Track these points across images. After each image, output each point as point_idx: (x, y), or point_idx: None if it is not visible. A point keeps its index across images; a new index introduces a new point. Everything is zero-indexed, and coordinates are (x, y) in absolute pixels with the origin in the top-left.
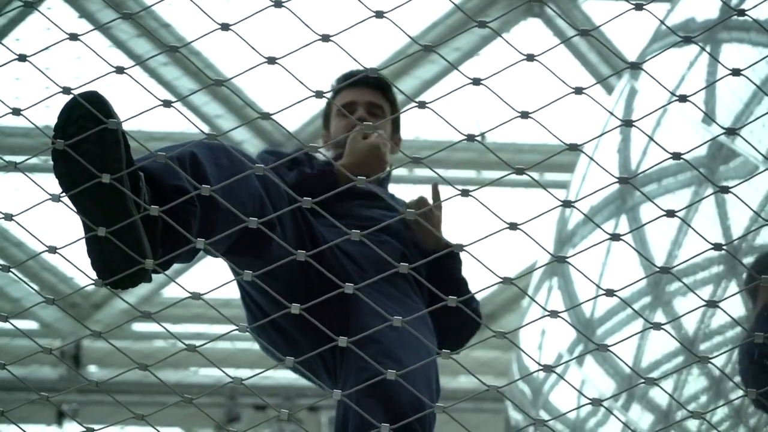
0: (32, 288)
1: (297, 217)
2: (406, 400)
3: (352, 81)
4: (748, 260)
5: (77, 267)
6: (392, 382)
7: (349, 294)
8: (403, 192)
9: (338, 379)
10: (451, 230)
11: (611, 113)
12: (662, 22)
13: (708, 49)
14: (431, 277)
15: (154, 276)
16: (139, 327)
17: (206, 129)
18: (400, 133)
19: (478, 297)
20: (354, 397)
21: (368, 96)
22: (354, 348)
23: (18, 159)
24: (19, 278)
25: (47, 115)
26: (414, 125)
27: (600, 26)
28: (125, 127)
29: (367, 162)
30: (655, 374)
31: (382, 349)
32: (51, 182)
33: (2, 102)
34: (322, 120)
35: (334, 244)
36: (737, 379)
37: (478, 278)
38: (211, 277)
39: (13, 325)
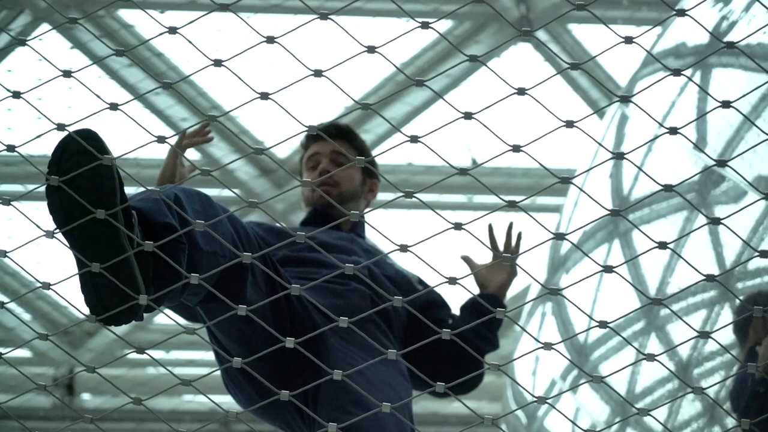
0: (25, 323)
1: (268, 265)
2: None
3: (314, 135)
4: (741, 285)
5: (70, 303)
6: (365, 430)
7: (319, 345)
8: (398, 218)
9: (314, 429)
10: (444, 261)
11: (601, 145)
12: (650, 54)
13: (699, 73)
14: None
15: None
16: (132, 354)
17: (198, 156)
18: (377, 178)
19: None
20: None
21: (331, 146)
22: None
23: (13, 188)
24: (14, 315)
25: (40, 145)
26: (406, 151)
27: (590, 60)
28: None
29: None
30: (648, 400)
31: (353, 399)
32: (45, 212)
33: None
34: (298, 173)
35: (305, 296)
36: (729, 404)
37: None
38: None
39: (7, 362)
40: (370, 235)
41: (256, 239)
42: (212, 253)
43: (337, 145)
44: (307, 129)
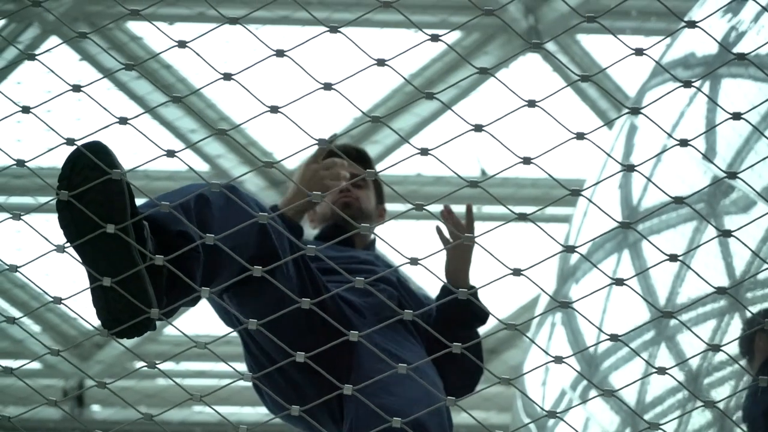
0: (35, 338)
1: (299, 261)
2: None
3: (332, 152)
4: (752, 295)
5: (81, 316)
6: (402, 413)
7: (352, 339)
8: (406, 229)
9: (344, 419)
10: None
11: (611, 156)
12: (659, 65)
13: (708, 84)
14: (440, 320)
15: None
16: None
17: (206, 168)
18: (384, 205)
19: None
20: None
21: (350, 167)
22: (359, 396)
23: (23, 200)
24: (23, 329)
25: (50, 157)
26: (415, 162)
27: (599, 72)
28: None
29: (309, 187)
30: (659, 409)
31: (384, 386)
32: (55, 224)
33: (6, 153)
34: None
35: (336, 292)
36: (740, 414)
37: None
38: (213, 314)
39: (19, 378)
40: (381, 249)
41: (288, 238)
42: (232, 249)
43: (357, 166)
44: (317, 141)
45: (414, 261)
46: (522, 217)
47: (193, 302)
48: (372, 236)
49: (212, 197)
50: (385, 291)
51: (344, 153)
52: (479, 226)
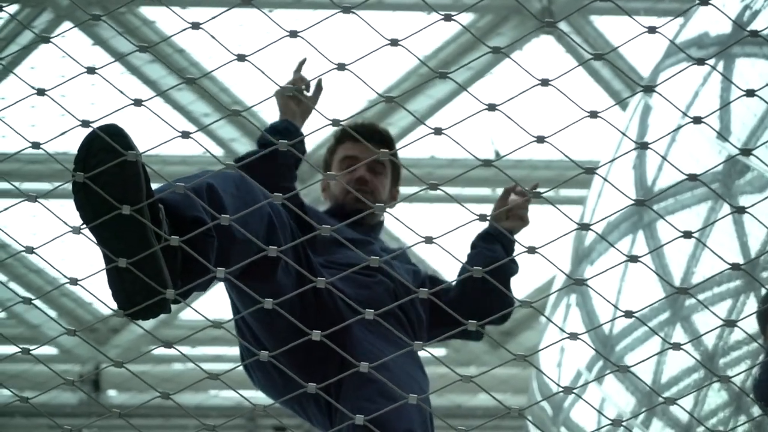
0: (53, 319)
1: (298, 251)
2: None
3: (356, 135)
4: (767, 274)
5: (98, 298)
6: (390, 422)
7: (343, 335)
8: (418, 211)
9: (333, 419)
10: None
11: (625, 134)
12: (673, 43)
13: (722, 63)
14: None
15: None
16: (158, 350)
17: (221, 152)
18: (399, 187)
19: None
20: None
21: (370, 152)
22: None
23: (37, 186)
24: (40, 309)
25: (63, 142)
26: (429, 144)
27: (613, 50)
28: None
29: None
30: (674, 390)
31: (378, 389)
32: (70, 208)
33: (21, 136)
34: (323, 165)
35: (334, 286)
36: (754, 394)
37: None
38: (227, 299)
39: (35, 357)
40: (393, 230)
41: (289, 223)
42: (245, 242)
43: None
44: (331, 122)
45: (429, 240)
46: (536, 196)
47: (204, 286)
48: (381, 218)
49: (221, 187)
50: (382, 284)
51: (366, 134)
52: (491, 208)
